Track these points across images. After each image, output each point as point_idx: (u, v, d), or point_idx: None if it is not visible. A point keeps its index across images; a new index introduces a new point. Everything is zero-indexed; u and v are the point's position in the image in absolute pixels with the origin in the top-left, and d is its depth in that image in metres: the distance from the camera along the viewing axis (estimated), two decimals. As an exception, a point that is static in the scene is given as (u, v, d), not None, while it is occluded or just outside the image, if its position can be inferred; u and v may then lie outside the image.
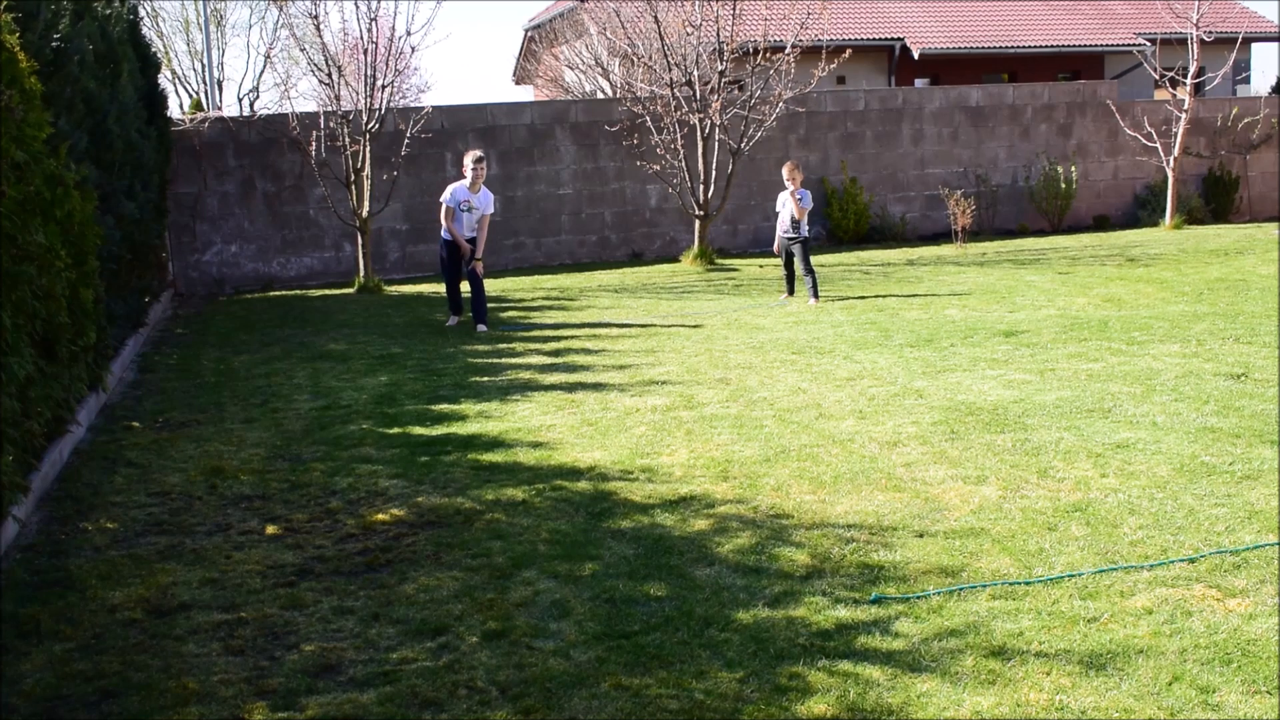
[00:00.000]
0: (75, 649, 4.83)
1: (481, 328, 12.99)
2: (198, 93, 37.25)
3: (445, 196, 13.19)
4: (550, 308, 14.73)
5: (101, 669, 4.62)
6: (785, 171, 14.34)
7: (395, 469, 7.32)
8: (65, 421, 7.75)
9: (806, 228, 14.26)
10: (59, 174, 7.65)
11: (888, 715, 4.05)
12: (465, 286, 13.50)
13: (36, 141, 6.95)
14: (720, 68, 18.61)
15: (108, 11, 12.48)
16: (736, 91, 19.69)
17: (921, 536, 5.78)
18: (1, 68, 6.50)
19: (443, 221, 13.20)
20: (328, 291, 17.81)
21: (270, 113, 19.67)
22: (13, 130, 6.42)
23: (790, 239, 14.28)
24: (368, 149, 17.26)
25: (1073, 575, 5.22)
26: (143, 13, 16.73)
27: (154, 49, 17.30)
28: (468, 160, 13.26)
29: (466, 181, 13.15)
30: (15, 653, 4.81)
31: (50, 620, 5.12)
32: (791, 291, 14.56)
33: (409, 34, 18.12)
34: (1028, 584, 5.13)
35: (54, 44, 9.32)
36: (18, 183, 6.49)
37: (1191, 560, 5.34)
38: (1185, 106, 21.60)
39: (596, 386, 9.53)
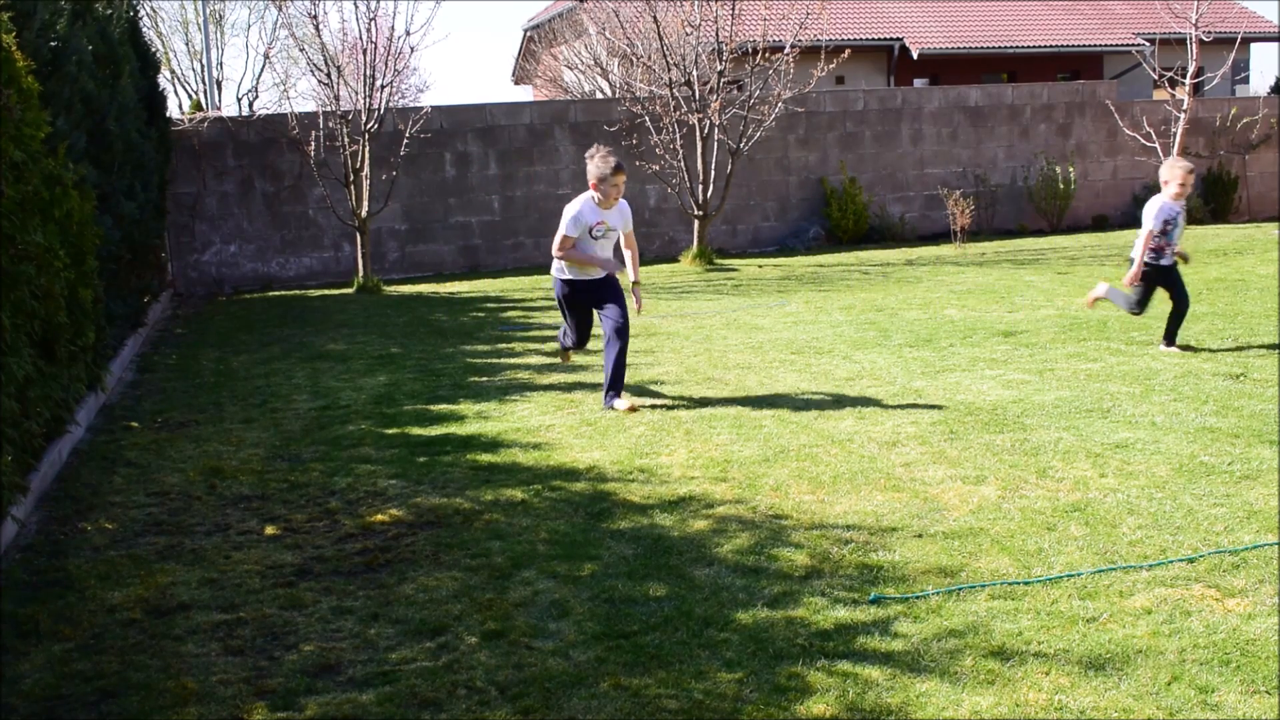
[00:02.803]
0: (74, 649, 4.83)
1: (615, 402, 8.74)
2: (197, 93, 37.29)
3: (567, 221, 8.59)
4: (550, 308, 14.73)
5: (101, 669, 4.62)
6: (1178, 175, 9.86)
7: (394, 469, 7.32)
8: (64, 421, 7.74)
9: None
10: (58, 174, 7.64)
11: (887, 715, 4.05)
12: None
13: (35, 141, 6.95)
14: (719, 68, 18.61)
15: (108, 12, 12.47)
16: (736, 91, 19.69)
17: (920, 537, 5.78)
18: None
19: (556, 254, 8.69)
20: (327, 291, 17.81)
21: (269, 113, 19.68)
22: (11, 130, 6.42)
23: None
24: (367, 149, 17.26)
25: (1072, 575, 5.22)
26: (142, 13, 16.70)
27: (154, 49, 17.29)
28: (603, 168, 8.56)
29: (595, 198, 8.65)
30: (14, 653, 4.81)
31: (49, 620, 5.12)
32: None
33: (408, 34, 18.06)
34: (1026, 584, 5.13)
35: (52, 44, 9.31)
36: (16, 182, 6.48)
37: (1190, 560, 5.34)
38: (1184, 106, 21.57)
39: (595, 386, 9.53)
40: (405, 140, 17.92)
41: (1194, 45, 21.55)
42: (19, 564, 5.86)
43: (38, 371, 6.75)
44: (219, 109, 30.14)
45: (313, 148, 17.48)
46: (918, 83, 30.84)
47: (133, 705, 4.32)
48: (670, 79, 18.79)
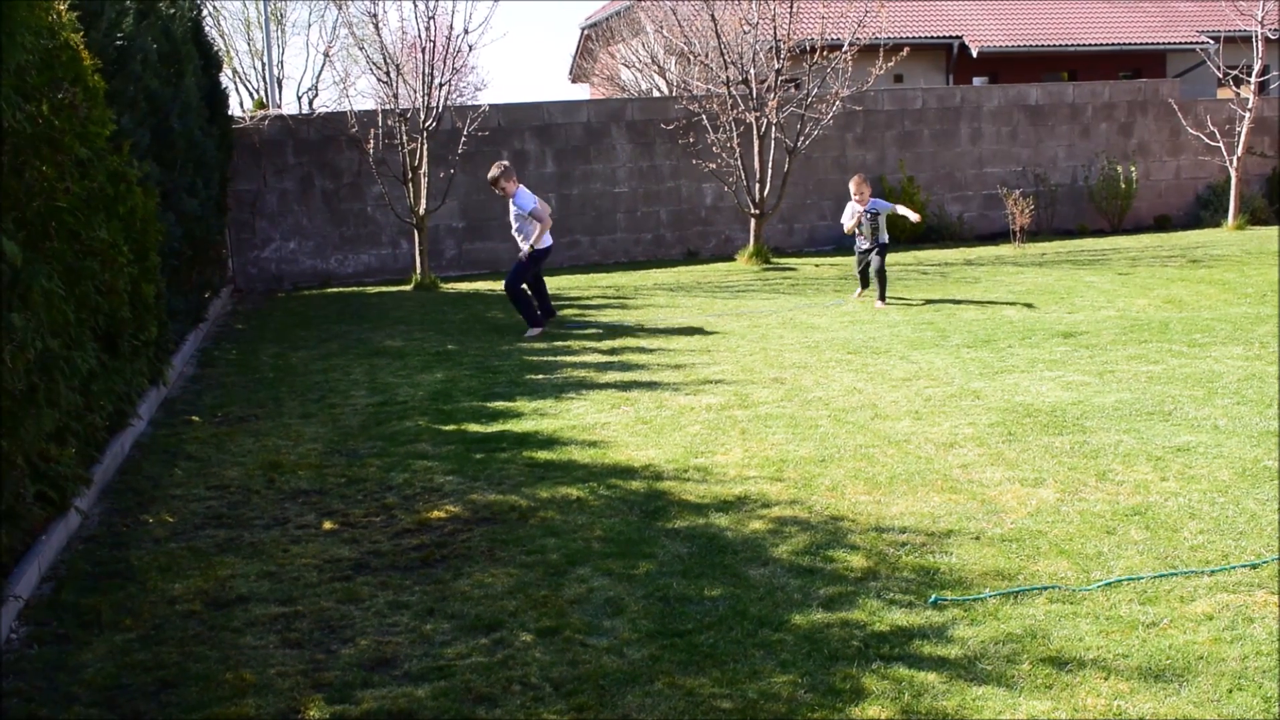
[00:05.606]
0: (135, 639, 4.89)
1: None
2: (258, 91, 37.68)
3: None
4: (606, 306, 14.75)
5: (161, 659, 4.69)
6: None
7: (450, 465, 7.36)
8: (126, 415, 7.85)
9: None
10: (122, 171, 7.75)
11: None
12: None
13: (99, 138, 7.05)
14: (777, 66, 18.55)
15: (172, 11, 12.63)
16: (793, 90, 19.61)
17: (978, 539, 5.73)
18: (65, 65, 6.60)
19: None
20: (384, 288, 17.93)
21: (329, 111, 19.84)
22: (76, 127, 6.51)
23: None
24: (425, 147, 17.35)
25: (1131, 579, 5.15)
26: (205, 12, 16.89)
27: (216, 48, 17.48)
28: None
29: None
30: (77, 642, 4.89)
31: (111, 611, 5.20)
32: None
33: (466, 32, 18.07)
34: (1086, 589, 5.07)
35: (118, 42, 9.44)
36: (81, 179, 6.58)
37: (1253, 566, 5.26)
38: (1249, 105, 21.26)
39: (651, 385, 9.53)
40: (463, 138, 18.00)
41: (1259, 43, 21.23)
42: (81, 555, 5.95)
43: (101, 365, 6.85)
44: (279, 107, 30.43)
45: (371, 145, 17.59)
46: (977, 81, 30.59)
47: (192, 696, 4.38)
48: (728, 77, 18.75)
